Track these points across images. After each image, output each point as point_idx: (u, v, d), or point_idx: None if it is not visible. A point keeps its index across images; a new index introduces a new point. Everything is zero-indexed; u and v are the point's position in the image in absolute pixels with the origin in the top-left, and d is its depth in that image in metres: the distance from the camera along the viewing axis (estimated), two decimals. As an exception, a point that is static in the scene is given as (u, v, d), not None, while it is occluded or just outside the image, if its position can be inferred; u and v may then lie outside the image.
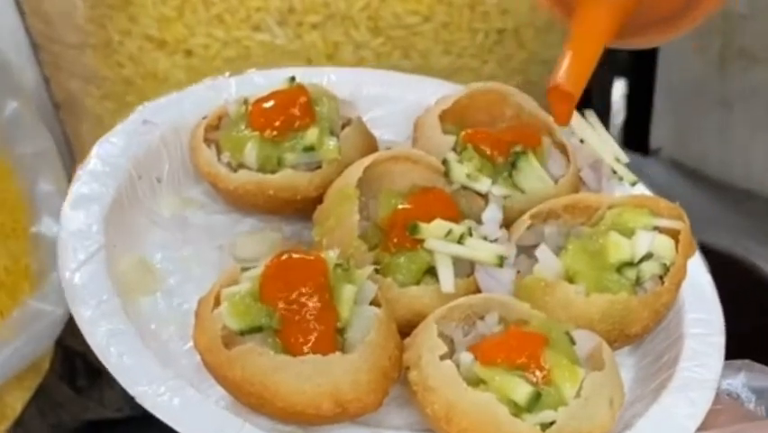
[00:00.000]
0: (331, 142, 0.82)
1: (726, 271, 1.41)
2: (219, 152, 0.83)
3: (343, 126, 0.85)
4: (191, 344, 0.72)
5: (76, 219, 0.78)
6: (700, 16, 0.81)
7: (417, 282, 0.77)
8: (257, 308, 0.69)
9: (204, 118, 0.85)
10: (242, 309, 0.69)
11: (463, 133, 0.85)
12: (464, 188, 0.82)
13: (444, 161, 0.82)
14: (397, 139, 0.91)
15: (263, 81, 0.89)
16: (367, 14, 1.09)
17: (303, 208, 0.82)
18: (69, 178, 1.16)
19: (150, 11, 1.09)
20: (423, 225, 0.76)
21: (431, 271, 0.77)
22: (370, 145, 0.86)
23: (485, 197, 0.82)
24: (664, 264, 0.77)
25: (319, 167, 0.82)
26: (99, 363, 0.72)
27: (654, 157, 1.64)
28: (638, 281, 0.77)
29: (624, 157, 0.88)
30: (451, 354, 0.72)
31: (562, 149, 0.87)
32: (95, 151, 0.82)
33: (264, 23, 1.08)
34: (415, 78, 0.97)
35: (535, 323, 0.73)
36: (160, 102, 0.87)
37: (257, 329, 0.69)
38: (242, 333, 0.69)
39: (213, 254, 0.82)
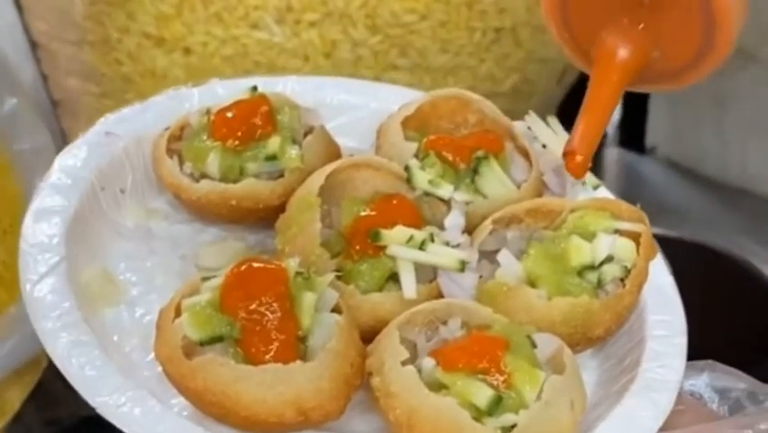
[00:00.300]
0: (293, 151, 0.82)
1: (721, 269, 1.42)
2: (182, 162, 0.83)
3: (306, 135, 0.85)
4: (153, 355, 0.72)
5: (38, 232, 0.78)
6: (707, 71, 0.82)
7: (380, 289, 0.77)
8: (218, 318, 0.69)
9: (166, 129, 0.85)
10: (202, 319, 0.69)
11: (425, 139, 0.85)
12: (427, 194, 0.82)
13: (407, 168, 0.83)
14: (361, 146, 0.91)
15: (225, 91, 0.89)
16: (365, 12, 1.09)
17: (266, 217, 0.82)
18: None
19: (149, 8, 1.09)
20: (385, 232, 0.77)
21: (394, 278, 0.77)
22: (333, 153, 0.86)
23: (447, 203, 0.82)
24: (626, 267, 0.77)
25: (282, 176, 0.82)
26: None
27: (650, 156, 1.65)
28: (600, 284, 0.77)
29: (586, 162, 0.88)
30: (414, 359, 0.72)
31: (525, 154, 0.87)
32: (57, 163, 0.82)
33: (262, 20, 1.08)
34: (377, 85, 0.97)
35: (497, 327, 0.73)
36: (122, 113, 0.87)
37: (218, 339, 0.69)
38: (203, 343, 0.69)
39: (176, 265, 0.83)
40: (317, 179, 0.79)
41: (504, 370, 0.69)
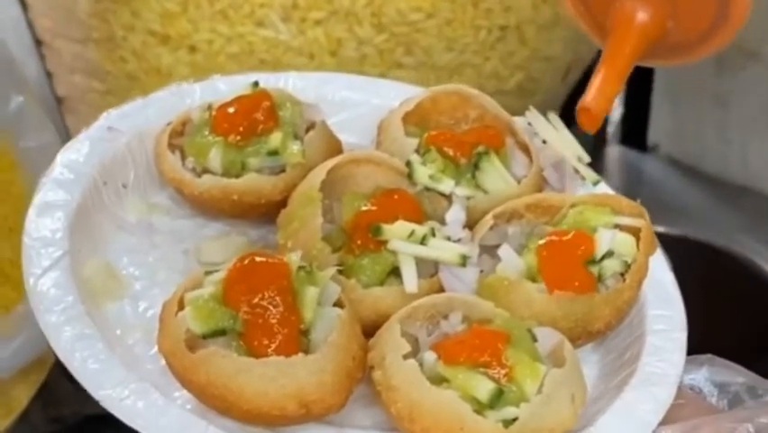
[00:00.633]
0: (294, 146, 0.83)
1: (722, 267, 1.43)
2: (184, 157, 0.84)
3: (308, 130, 0.85)
4: (157, 348, 0.72)
5: (41, 226, 0.78)
6: (719, 45, 0.83)
7: (382, 283, 0.78)
8: (220, 312, 0.70)
9: (168, 124, 0.85)
10: (205, 313, 0.70)
11: (426, 134, 0.86)
12: (428, 189, 0.83)
13: (408, 163, 0.83)
14: (363, 142, 0.92)
15: (227, 87, 0.90)
16: (370, 11, 1.09)
17: (268, 212, 0.83)
18: None
19: (154, 6, 1.09)
20: (386, 227, 0.77)
21: (395, 272, 0.78)
22: (335, 148, 0.87)
23: (448, 198, 0.83)
24: (626, 262, 0.78)
25: (283, 171, 0.83)
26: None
27: (652, 154, 1.65)
28: (600, 279, 0.77)
29: (586, 157, 0.88)
30: (415, 353, 0.73)
31: (525, 149, 0.87)
32: (59, 158, 0.82)
33: (268, 18, 1.09)
34: (379, 81, 0.98)
35: (498, 321, 0.73)
36: (124, 109, 0.88)
37: (220, 332, 0.70)
38: (206, 336, 0.70)
39: (179, 259, 0.83)
40: (319, 174, 0.79)
41: (505, 363, 0.70)
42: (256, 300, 0.70)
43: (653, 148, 1.65)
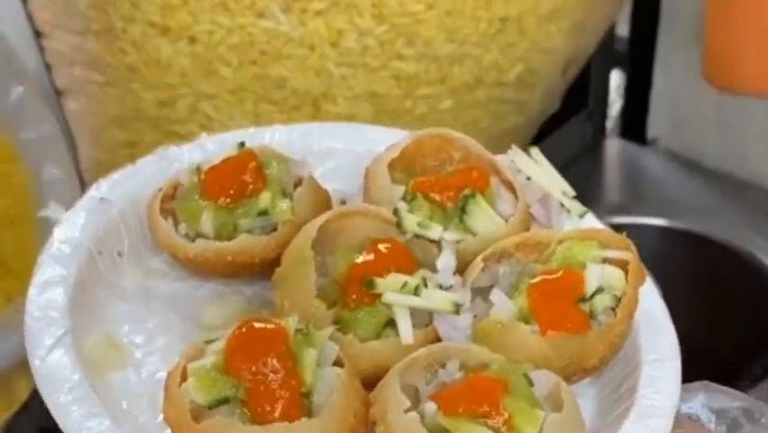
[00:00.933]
0: (284, 205, 0.84)
1: (722, 260, 1.44)
2: (176, 223, 0.85)
3: (295, 185, 0.87)
4: (162, 418, 0.74)
5: (42, 305, 0.80)
6: None
7: (378, 335, 0.79)
8: (223, 381, 0.71)
9: (159, 190, 0.87)
10: (208, 383, 0.71)
11: (412, 182, 0.87)
12: (417, 236, 0.84)
13: (396, 212, 0.84)
14: (350, 189, 0.93)
15: (214, 146, 0.91)
16: (371, 2, 1.10)
17: (262, 270, 0.84)
18: (75, 164, 1.18)
19: None
20: (379, 280, 0.79)
21: (391, 323, 0.79)
22: (324, 201, 0.88)
23: (438, 243, 0.84)
24: (616, 296, 0.79)
25: (275, 229, 0.84)
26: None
27: (651, 147, 1.66)
28: (592, 315, 0.79)
29: (570, 190, 0.90)
30: (416, 404, 0.74)
31: (510, 187, 0.89)
32: (55, 234, 0.84)
33: (268, 9, 1.09)
34: (361, 127, 0.99)
35: (495, 367, 0.75)
36: (114, 178, 0.89)
37: (224, 401, 0.71)
38: (210, 406, 0.71)
39: (177, 324, 0.84)
40: (309, 233, 0.81)
41: (504, 412, 0.71)
42: (257, 368, 0.71)
43: (652, 142, 1.66)
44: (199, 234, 0.84)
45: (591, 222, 0.91)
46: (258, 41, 1.12)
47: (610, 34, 1.52)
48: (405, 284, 0.79)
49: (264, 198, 0.84)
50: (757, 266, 1.43)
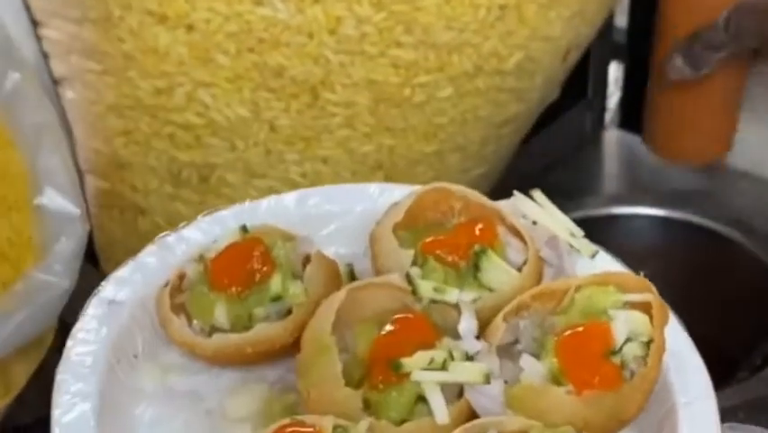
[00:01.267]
0: (296, 288, 0.83)
1: (721, 251, 1.45)
2: (189, 318, 0.84)
3: (303, 263, 0.86)
4: None
5: (70, 425, 0.78)
6: None
7: (410, 413, 0.78)
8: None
9: (165, 285, 0.85)
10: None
11: (420, 244, 0.86)
12: (434, 301, 0.83)
13: (409, 279, 0.83)
14: (355, 250, 0.92)
15: (210, 226, 0.91)
16: None
17: (281, 354, 0.83)
18: (72, 152, 1.16)
19: None
20: (405, 361, 0.78)
21: (421, 399, 0.78)
22: (334, 274, 0.87)
23: (456, 305, 0.83)
24: (643, 342, 0.79)
25: (290, 312, 0.83)
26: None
27: (649, 138, 1.66)
28: (623, 366, 0.78)
29: (578, 231, 0.89)
30: (461, 482, 0.74)
31: (517, 233, 0.88)
32: (73, 350, 0.83)
33: None
34: (354, 187, 0.98)
35: (535, 433, 0.74)
36: (118, 276, 0.87)
37: None
38: None
39: (204, 420, 0.83)
40: (327, 317, 0.79)
41: (554, 485, 0.71)
42: (300, 475, 0.70)
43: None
44: (214, 328, 0.83)
45: (604, 261, 0.90)
46: (255, 28, 1.11)
47: (609, 25, 1.51)
48: (432, 360, 0.78)
49: (276, 283, 0.83)
50: (756, 257, 1.44)
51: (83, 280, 1.06)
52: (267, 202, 0.94)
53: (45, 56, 1.20)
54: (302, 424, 0.73)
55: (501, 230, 0.88)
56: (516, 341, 0.82)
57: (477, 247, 0.85)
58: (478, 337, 0.82)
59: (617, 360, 0.78)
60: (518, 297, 0.83)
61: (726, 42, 1.38)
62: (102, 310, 0.85)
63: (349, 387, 0.78)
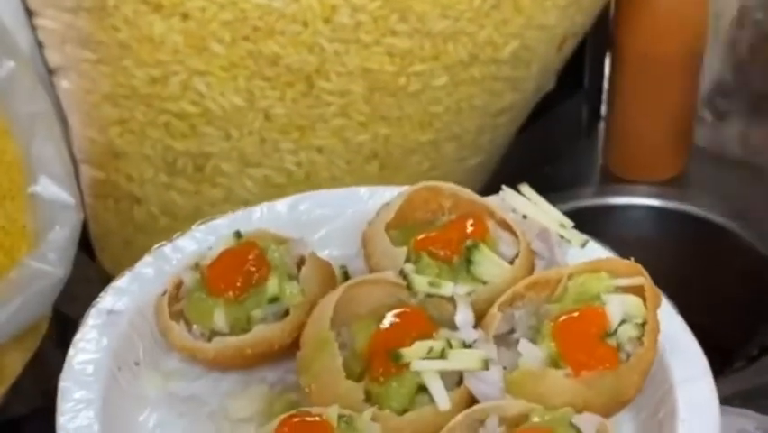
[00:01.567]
0: (293, 288, 0.84)
1: (718, 241, 1.46)
2: (188, 324, 0.85)
3: (298, 265, 0.87)
4: None
5: (76, 431, 0.79)
6: None
7: (412, 402, 0.79)
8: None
9: (163, 294, 0.86)
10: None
11: (413, 241, 0.87)
12: (429, 295, 0.84)
13: (404, 275, 0.84)
14: (348, 252, 0.93)
15: (204, 235, 0.92)
16: None
17: (282, 355, 0.84)
18: (67, 142, 1.16)
19: None
20: (404, 351, 0.79)
21: (422, 389, 0.79)
22: (329, 275, 0.88)
23: (451, 298, 0.84)
24: (637, 323, 0.80)
25: (287, 312, 0.84)
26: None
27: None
28: (619, 348, 0.79)
29: (568, 222, 0.90)
30: (464, 469, 0.75)
31: (507, 227, 0.89)
32: (74, 358, 0.83)
33: None
34: (344, 191, 0.99)
35: (536, 417, 0.75)
36: (116, 286, 0.88)
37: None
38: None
39: (206, 423, 0.84)
40: (325, 313, 0.81)
41: (559, 463, 0.72)
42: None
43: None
44: (214, 332, 0.84)
45: (593, 249, 0.91)
46: (250, 17, 1.11)
47: (605, 16, 1.51)
48: (430, 349, 0.79)
49: (272, 285, 0.84)
50: (751, 247, 1.45)
51: (78, 271, 1.07)
52: (260, 209, 0.95)
53: (40, 45, 1.19)
54: (308, 414, 0.74)
55: (492, 225, 0.89)
56: (513, 330, 0.84)
57: (469, 242, 0.86)
58: (474, 328, 0.83)
59: (612, 342, 0.79)
60: (512, 288, 0.84)
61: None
62: (101, 320, 0.86)
63: (354, 382, 0.79)
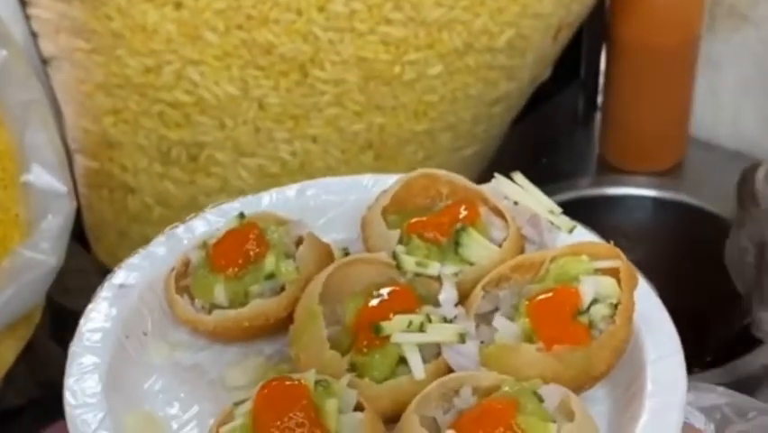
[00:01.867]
0: (289, 265, 0.90)
1: (714, 232, 1.47)
2: (192, 298, 0.90)
3: (297, 244, 0.92)
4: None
5: (79, 392, 0.85)
6: None
7: (394, 373, 0.84)
8: (254, 441, 0.76)
9: (172, 270, 0.92)
10: (240, 445, 0.77)
11: (405, 224, 0.92)
12: (417, 274, 0.89)
13: (394, 255, 0.89)
14: (350, 236, 0.99)
15: (215, 217, 0.98)
16: None
17: (278, 329, 0.90)
18: (61, 132, 1.18)
19: None
20: (385, 324, 0.83)
21: (403, 361, 0.84)
22: (326, 254, 0.93)
23: (438, 278, 0.89)
24: (612, 303, 0.84)
25: (283, 288, 0.90)
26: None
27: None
28: (592, 325, 0.84)
29: (557, 208, 0.94)
30: (437, 434, 0.79)
31: (500, 213, 0.94)
32: (84, 326, 0.89)
33: None
34: (352, 178, 1.04)
35: (506, 387, 0.80)
36: (129, 263, 0.94)
37: (256, 460, 0.76)
38: (245, 466, 0.76)
39: (206, 390, 0.89)
40: (316, 288, 0.86)
41: (518, 431, 0.76)
42: (283, 424, 0.76)
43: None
44: (214, 306, 0.89)
45: (581, 235, 0.95)
46: (244, 5, 1.13)
47: (601, 6, 1.53)
48: (410, 323, 0.84)
49: (269, 263, 0.89)
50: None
51: (73, 261, 1.10)
52: (269, 195, 1.00)
53: (34, 35, 1.22)
54: (287, 378, 0.79)
55: (484, 210, 0.94)
56: (497, 309, 0.88)
57: (458, 225, 0.91)
58: (457, 306, 0.88)
59: (584, 320, 0.83)
60: (497, 269, 0.88)
61: None
62: (112, 293, 0.92)
63: (337, 352, 0.84)
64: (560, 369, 0.82)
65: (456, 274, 0.89)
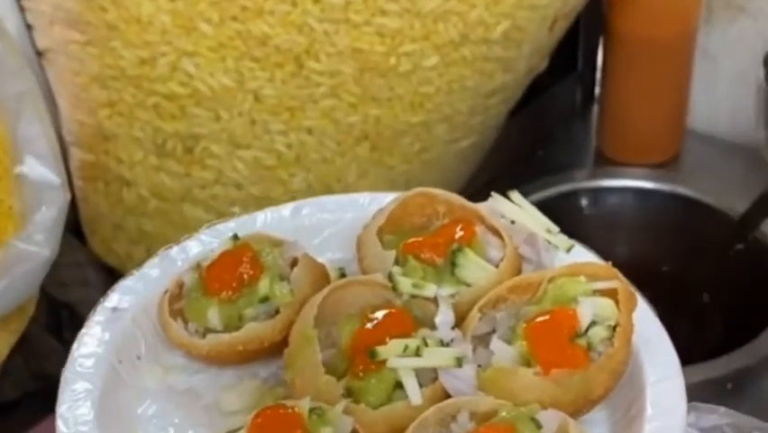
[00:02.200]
0: (283, 288, 0.88)
1: (710, 223, 1.47)
2: (186, 322, 0.89)
3: (291, 265, 0.91)
4: None
5: (71, 420, 0.84)
6: None
7: (390, 398, 0.83)
8: (249, 470, 0.76)
9: (165, 292, 0.91)
10: (234, 474, 0.76)
11: (401, 245, 0.91)
12: (413, 296, 0.88)
13: (390, 277, 0.88)
14: (346, 255, 0.97)
15: (209, 237, 0.96)
16: None
17: (273, 352, 0.89)
18: (56, 125, 1.18)
19: None
20: (380, 349, 0.82)
21: (400, 385, 0.83)
22: (321, 275, 0.92)
23: (435, 299, 0.88)
24: (610, 325, 0.83)
25: (278, 311, 0.89)
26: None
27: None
28: (590, 348, 0.83)
29: (554, 227, 0.93)
30: (434, 460, 0.78)
31: (496, 232, 0.92)
32: (77, 351, 0.88)
33: None
34: (347, 196, 1.03)
35: (503, 412, 0.79)
36: (122, 285, 0.93)
37: (251, 490, 0.75)
38: (240, 494, 0.75)
39: (202, 415, 0.88)
40: (311, 311, 0.85)
41: (516, 458, 0.75)
42: (277, 453, 0.75)
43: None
44: (209, 330, 0.88)
45: (579, 253, 0.94)
46: None
47: None
48: (406, 347, 0.83)
49: (263, 285, 0.88)
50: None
51: (69, 255, 1.10)
52: (263, 214, 0.99)
53: (28, 28, 1.21)
54: (282, 406, 0.78)
55: (481, 229, 0.93)
56: (494, 331, 0.87)
57: (454, 246, 0.90)
58: (454, 329, 0.87)
59: (582, 342, 0.82)
60: (494, 290, 0.87)
61: None
62: (105, 317, 0.91)
63: (333, 377, 0.83)
64: (558, 393, 0.81)
65: (453, 296, 0.88)
